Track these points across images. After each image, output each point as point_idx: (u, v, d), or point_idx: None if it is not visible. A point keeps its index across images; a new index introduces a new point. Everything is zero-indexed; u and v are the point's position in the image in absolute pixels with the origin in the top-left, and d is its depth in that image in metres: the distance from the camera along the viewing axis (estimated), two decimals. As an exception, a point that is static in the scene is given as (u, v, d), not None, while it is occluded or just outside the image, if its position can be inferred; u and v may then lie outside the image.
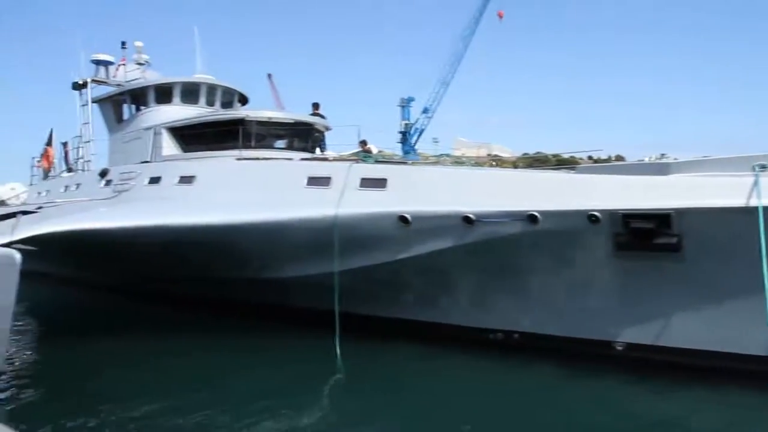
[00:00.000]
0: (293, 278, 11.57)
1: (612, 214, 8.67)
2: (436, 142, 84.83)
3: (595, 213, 8.69)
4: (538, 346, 9.84)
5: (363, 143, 16.03)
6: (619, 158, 52.77)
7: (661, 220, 8.42)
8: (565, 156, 16.53)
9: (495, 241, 9.51)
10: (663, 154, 18.52)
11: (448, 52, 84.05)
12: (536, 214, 9.04)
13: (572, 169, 10.64)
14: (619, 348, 9.41)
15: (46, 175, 24.59)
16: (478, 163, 14.52)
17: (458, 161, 13.37)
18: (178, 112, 16.47)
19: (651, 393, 8.44)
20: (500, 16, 75.36)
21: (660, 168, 9.21)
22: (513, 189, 9.72)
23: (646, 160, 15.01)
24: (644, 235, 8.56)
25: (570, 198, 9.10)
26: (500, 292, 10.16)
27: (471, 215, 9.43)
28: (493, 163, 14.65)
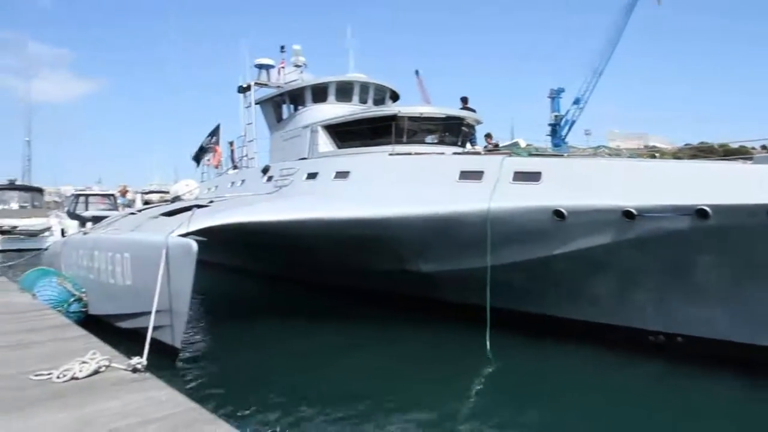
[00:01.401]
0: (444, 272, 11.63)
1: None
2: (588, 134, 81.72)
3: None
4: (707, 351, 9.10)
5: (488, 136, 15.80)
6: (801, 147, 47.34)
7: None
8: (734, 146, 15.05)
9: (659, 237, 8.90)
10: None
11: (601, 39, 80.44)
12: (706, 208, 8.33)
13: (748, 159, 9.69)
14: (806, 358, 8.49)
15: (200, 162, 27.00)
16: (638, 154, 13.70)
17: (616, 153, 12.64)
18: (333, 110, 17.12)
19: None
20: (658, 0, 70.90)
21: None
22: (679, 181, 8.99)
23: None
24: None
25: (746, 191, 8.26)
26: (663, 291, 9.51)
27: (632, 210, 8.90)
28: (656, 154, 13.67)
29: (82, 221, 28.64)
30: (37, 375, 5.74)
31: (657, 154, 13.73)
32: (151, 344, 7.10)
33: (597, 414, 7.54)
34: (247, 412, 7.16)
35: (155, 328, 7.89)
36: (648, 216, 8.85)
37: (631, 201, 8.97)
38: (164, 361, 8.62)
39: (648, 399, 8.01)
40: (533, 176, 10.23)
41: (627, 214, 8.95)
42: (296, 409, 7.43)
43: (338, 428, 6.91)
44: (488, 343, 9.74)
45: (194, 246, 8.77)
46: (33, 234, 28.85)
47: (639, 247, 9.18)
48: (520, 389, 8.54)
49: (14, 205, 32.84)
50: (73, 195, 40.89)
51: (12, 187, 35.31)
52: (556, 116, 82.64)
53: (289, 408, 7.45)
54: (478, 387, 8.83)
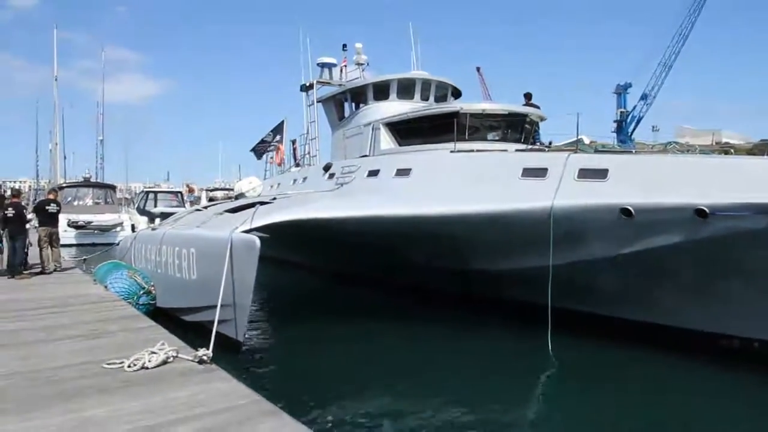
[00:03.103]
0: (506, 270, 11.46)
1: None
2: (656, 130, 79.00)
3: None
4: None
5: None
6: None
7: None
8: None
9: (733, 237, 8.50)
10: None
11: (671, 31, 77.78)
12: None
13: None
14: None
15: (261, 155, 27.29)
16: (710, 150, 13.16)
17: (687, 149, 12.17)
18: (395, 107, 17.10)
19: None
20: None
21: None
22: (755, 179, 8.58)
23: None
24: None
25: None
26: (738, 294, 9.06)
27: (705, 208, 8.53)
28: (731, 150, 13.09)
29: (151, 217, 29.74)
30: (109, 363, 5.98)
31: (731, 150, 13.10)
32: (215, 337, 7.27)
33: (656, 418, 7.27)
34: (308, 405, 7.22)
35: (219, 321, 8.06)
36: (722, 215, 8.47)
37: (703, 199, 8.59)
38: (227, 354, 8.78)
39: (716, 408, 7.73)
40: (600, 173, 9.93)
41: (699, 213, 8.58)
42: (355, 403, 7.49)
43: (399, 424, 6.90)
44: (550, 343, 9.55)
45: (257, 242, 8.91)
46: (106, 229, 29.99)
47: (712, 248, 8.80)
48: (583, 391, 8.34)
49: (89, 201, 34.12)
50: (142, 192, 42.51)
51: (87, 184, 36.72)
52: (621, 112, 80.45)
53: (348, 402, 7.51)
54: (540, 387, 8.70)
